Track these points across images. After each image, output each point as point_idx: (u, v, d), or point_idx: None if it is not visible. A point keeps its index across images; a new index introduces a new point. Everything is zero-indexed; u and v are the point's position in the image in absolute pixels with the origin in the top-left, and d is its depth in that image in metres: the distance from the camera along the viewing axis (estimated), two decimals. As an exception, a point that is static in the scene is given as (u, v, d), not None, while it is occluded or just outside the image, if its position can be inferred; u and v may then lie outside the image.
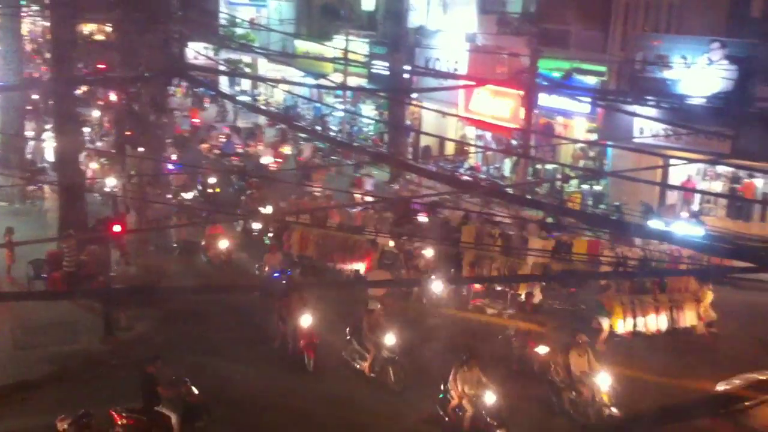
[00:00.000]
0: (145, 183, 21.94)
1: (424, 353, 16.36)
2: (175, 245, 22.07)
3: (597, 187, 28.31)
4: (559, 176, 29.19)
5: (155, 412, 12.96)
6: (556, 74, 26.78)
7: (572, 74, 26.77)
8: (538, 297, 18.23)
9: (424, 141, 34.51)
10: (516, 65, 27.11)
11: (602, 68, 26.80)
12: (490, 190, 22.78)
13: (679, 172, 26.20)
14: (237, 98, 41.49)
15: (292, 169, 30.88)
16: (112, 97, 33.27)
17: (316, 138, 34.16)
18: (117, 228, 18.26)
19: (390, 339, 15.36)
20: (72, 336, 17.05)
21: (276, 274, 19.18)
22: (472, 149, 31.86)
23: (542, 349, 15.52)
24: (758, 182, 25.69)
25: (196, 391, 13.37)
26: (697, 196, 26.40)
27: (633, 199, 25.18)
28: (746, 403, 7.82)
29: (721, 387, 14.23)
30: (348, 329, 16.37)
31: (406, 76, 33.09)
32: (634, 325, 17.38)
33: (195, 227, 21.98)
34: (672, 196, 26.63)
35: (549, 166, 29.09)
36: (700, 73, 23.37)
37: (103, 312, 17.16)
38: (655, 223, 23.47)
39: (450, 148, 33.41)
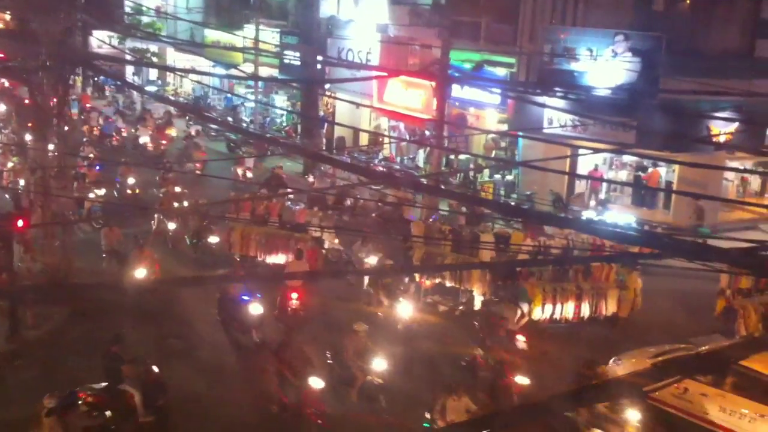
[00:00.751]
0: (48, 176, 21.08)
1: (407, 375, 15.08)
2: (104, 255, 20.18)
3: (509, 177, 28.84)
4: (472, 167, 29.59)
5: (119, 390, 13.02)
6: (468, 66, 27.10)
7: (483, 66, 27.15)
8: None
9: (338, 132, 34.43)
10: (428, 57, 27.28)
11: (512, 60, 27.27)
12: (404, 181, 22.92)
13: (586, 162, 26.94)
14: (144, 89, 40.42)
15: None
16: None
17: (228, 129, 33.64)
18: (20, 223, 17.51)
19: (379, 364, 14.13)
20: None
21: (244, 298, 16.43)
22: (386, 140, 31.96)
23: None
24: (662, 171, 26.68)
25: (156, 370, 13.42)
26: (604, 185, 27.23)
27: (543, 188, 25.76)
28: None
29: (612, 364, 14.92)
30: (328, 353, 14.76)
31: (318, 66, 32.88)
32: (553, 312, 17.34)
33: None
34: (580, 185, 27.39)
35: (462, 157, 29.44)
36: (606, 65, 24.06)
37: (8, 310, 16.45)
38: (566, 212, 24.14)
39: (364, 139, 33.44)
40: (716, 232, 22.44)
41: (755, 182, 27.84)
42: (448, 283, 18.83)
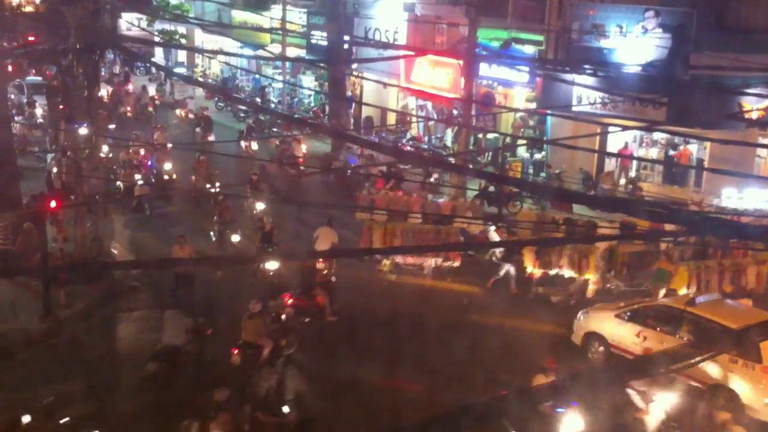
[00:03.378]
0: (80, 158, 21.36)
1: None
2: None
3: (537, 156, 28.66)
4: (500, 146, 29.44)
5: (312, 294, 17.07)
6: (495, 44, 26.89)
7: (511, 44, 26.90)
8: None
9: (366, 112, 34.41)
10: (455, 35, 27.12)
11: (540, 38, 26.99)
12: (432, 160, 22.86)
13: (616, 140, 26.67)
14: (173, 71, 40.66)
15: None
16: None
17: (256, 110, 33.78)
18: (53, 204, 17.79)
19: None
20: (10, 315, 16.68)
21: None
22: (414, 120, 31.89)
23: None
24: (693, 148, 26.33)
25: (334, 279, 17.40)
26: (635, 163, 26.95)
27: (572, 167, 25.57)
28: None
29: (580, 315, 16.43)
30: None
31: (345, 46, 32.82)
32: (698, 289, 17.42)
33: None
34: (610, 163, 27.14)
35: (490, 136, 29.29)
36: (636, 41, 23.73)
37: (42, 290, 16.77)
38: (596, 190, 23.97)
39: (391, 119, 33.39)
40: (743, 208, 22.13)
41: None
42: (566, 272, 18.67)
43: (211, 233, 21.14)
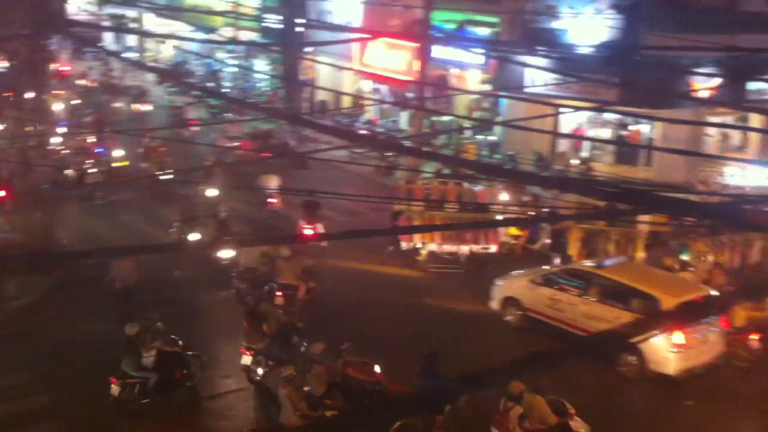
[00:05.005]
0: (27, 147, 20.85)
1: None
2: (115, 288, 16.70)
3: (491, 138, 28.76)
4: (454, 128, 29.48)
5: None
6: (450, 26, 26.85)
7: (465, 26, 26.90)
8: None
9: (320, 96, 34.17)
10: (410, 17, 27.00)
11: (495, 19, 27.02)
12: (386, 143, 22.79)
13: (569, 121, 26.88)
14: (123, 55, 39.87)
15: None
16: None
17: (209, 95, 33.34)
18: (1, 193, 17.34)
19: None
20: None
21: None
22: (368, 103, 31.76)
23: None
24: (644, 128, 26.66)
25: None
26: (587, 143, 27.20)
27: (526, 148, 25.72)
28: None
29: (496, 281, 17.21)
30: None
31: (299, 29, 32.51)
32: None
33: None
34: (563, 144, 27.35)
35: (445, 118, 29.31)
36: (588, 22, 23.88)
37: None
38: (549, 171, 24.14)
39: (346, 102, 33.21)
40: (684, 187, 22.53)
41: (736, 137, 27.85)
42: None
43: (172, 230, 20.59)
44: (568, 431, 11.63)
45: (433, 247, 19.62)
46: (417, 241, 19.52)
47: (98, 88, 36.78)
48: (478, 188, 20.63)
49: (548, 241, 19.65)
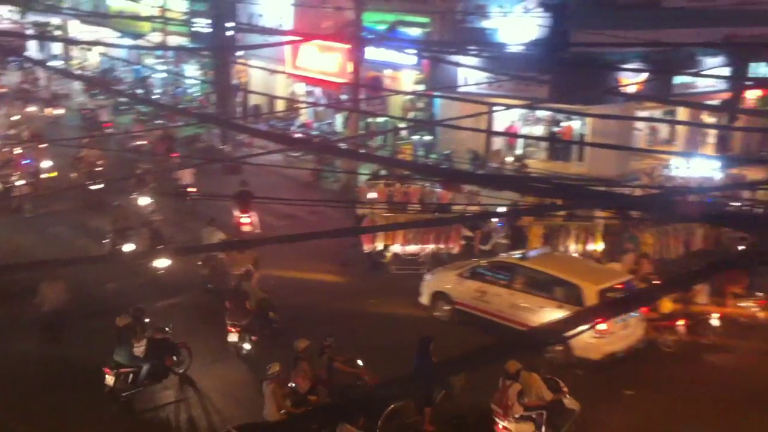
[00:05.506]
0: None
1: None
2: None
3: (427, 138, 28.86)
4: (390, 129, 29.50)
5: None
6: (381, 27, 26.84)
7: (397, 27, 26.91)
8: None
9: (254, 100, 33.80)
10: (341, 19, 26.89)
11: (425, 20, 27.11)
12: (322, 146, 22.62)
13: (502, 119, 27.13)
14: (48, 64, 38.81)
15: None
16: None
17: (138, 102, 32.68)
18: None
19: None
20: None
21: None
22: (303, 106, 31.55)
23: None
24: (575, 124, 27.09)
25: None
26: (521, 141, 27.52)
27: (461, 146, 25.87)
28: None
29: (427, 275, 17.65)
30: None
31: (229, 33, 32.09)
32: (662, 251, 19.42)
33: None
34: (497, 142, 27.61)
35: (380, 119, 29.30)
36: (517, 21, 24.15)
37: None
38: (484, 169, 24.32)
39: (280, 106, 32.93)
40: (628, 180, 22.98)
41: (664, 130, 28.55)
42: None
43: (105, 241, 20.03)
44: (562, 407, 12.39)
45: (396, 248, 19.63)
46: (380, 243, 19.51)
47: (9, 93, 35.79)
48: (440, 189, 20.81)
49: (502, 240, 19.73)
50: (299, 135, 28.90)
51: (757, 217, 6.07)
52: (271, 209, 21.18)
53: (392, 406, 11.90)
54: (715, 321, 16.03)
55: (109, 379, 13.35)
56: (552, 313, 15.01)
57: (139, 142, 27.37)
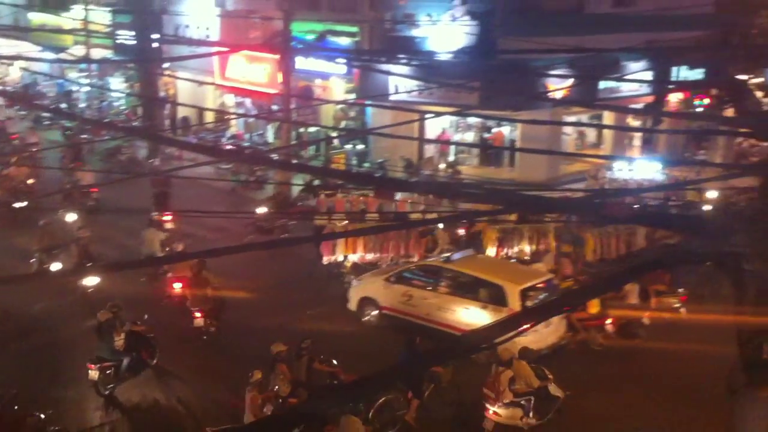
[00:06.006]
0: None
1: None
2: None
3: (360, 147, 28.81)
4: (322, 138, 29.37)
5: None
6: (310, 37, 26.71)
7: (326, 36, 26.83)
8: None
9: (182, 112, 33.25)
10: (270, 29, 26.67)
11: (355, 29, 27.09)
12: (253, 158, 22.38)
13: (434, 126, 27.27)
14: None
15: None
16: None
17: (62, 117, 31.80)
18: None
19: None
20: None
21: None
22: (233, 117, 31.18)
23: None
24: (506, 130, 27.40)
25: None
26: (452, 147, 27.71)
27: (394, 155, 25.90)
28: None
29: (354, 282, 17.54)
30: None
31: (154, 45, 31.53)
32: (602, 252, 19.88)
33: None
34: (430, 149, 27.74)
35: (312, 129, 29.15)
36: (446, 29, 24.32)
37: None
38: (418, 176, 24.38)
39: (210, 118, 32.47)
40: (559, 184, 23.35)
41: (591, 134, 29.12)
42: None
43: (32, 260, 19.33)
44: (548, 393, 13.05)
45: (355, 258, 19.50)
46: (339, 253, 19.44)
47: None
48: (399, 198, 20.88)
49: (447, 247, 19.74)
50: (230, 146, 28.51)
51: (680, 216, 6.17)
52: (202, 222, 20.79)
53: (383, 398, 12.25)
54: (644, 320, 16.35)
55: (93, 374, 13.76)
56: (477, 314, 15.38)
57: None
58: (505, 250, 19.32)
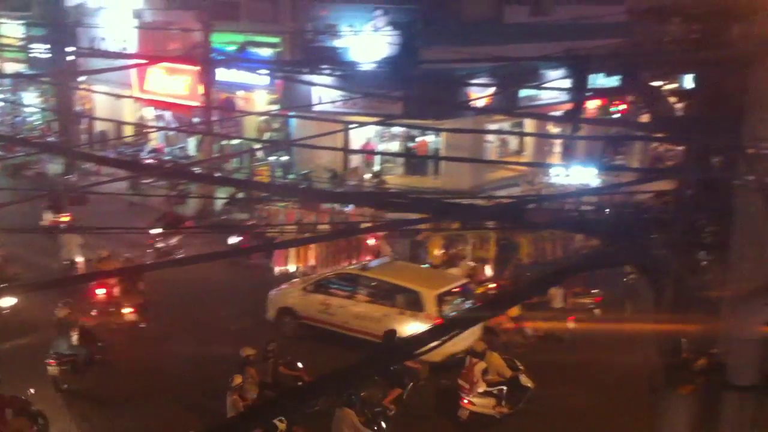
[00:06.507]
0: None
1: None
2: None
3: (284, 158, 28.56)
4: (245, 151, 29.02)
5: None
6: (231, 48, 26.41)
7: (247, 47, 26.57)
8: None
9: (100, 126, 32.41)
10: (189, 41, 26.27)
11: (276, 39, 26.90)
12: (175, 171, 21.92)
13: (358, 136, 27.25)
14: None
15: None
16: None
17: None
18: None
19: None
20: None
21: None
22: (153, 130, 30.55)
23: None
24: (430, 139, 27.56)
25: None
26: (377, 157, 27.73)
27: (319, 166, 25.76)
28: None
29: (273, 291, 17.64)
30: None
31: (70, 58, 30.69)
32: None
33: None
34: (355, 160, 27.70)
35: (235, 141, 28.78)
36: (368, 39, 24.36)
37: None
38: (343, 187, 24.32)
39: (129, 132, 31.75)
40: (483, 191, 23.60)
41: (514, 142, 29.55)
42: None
43: None
44: (519, 384, 13.83)
45: (306, 269, 19.58)
46: (291, 264, 19.56)
47: None
48: (348, 209, 20.79)
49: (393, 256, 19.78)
50: (150, 161, 27.91)
51: (599, 221, 6.26)
52: (122, 239, 20.26)
53: (361, 393, 12.55)
54: (569, 323, 16.62)
55: (53, 369, 14.29)
56: (394, 320, 15.49)
57: None
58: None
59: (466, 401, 13.55)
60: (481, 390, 13.49)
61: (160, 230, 20.07)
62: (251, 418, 4.74)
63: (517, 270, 19.17)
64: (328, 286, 16.89)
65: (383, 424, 12.65)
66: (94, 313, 16.86)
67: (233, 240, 21.09)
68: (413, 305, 15.59)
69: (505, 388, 13.65)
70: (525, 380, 13.89)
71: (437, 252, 19.66)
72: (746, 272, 4.58)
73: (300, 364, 13.87)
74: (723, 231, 4.66)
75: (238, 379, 12.65)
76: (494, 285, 17.59)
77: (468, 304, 15.90)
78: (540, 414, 13.81)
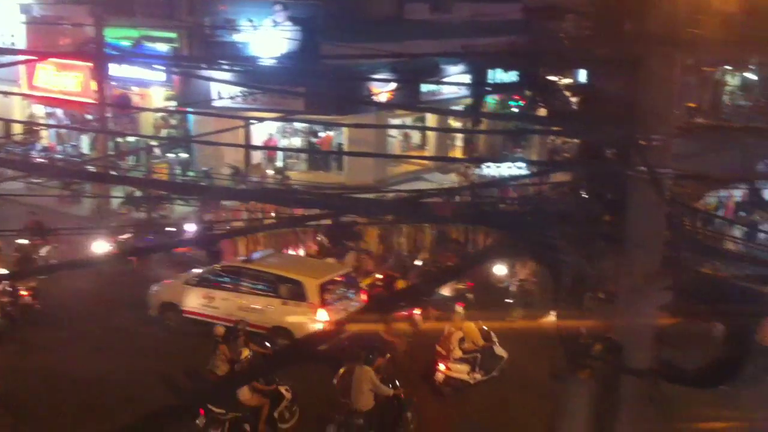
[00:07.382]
0: None
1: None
2: None
3: (183, 155, 27.95)
4: (142, 148, 28.27)
5: None
6: (126, 43, 25.66)
7: (142, 42, 25.88)
8: None
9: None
10: (81, 36, 25.35)
11: (173, 35, 26.30)
12: (68, 170, 21.16)
13: (260, 132, 26.95)
14: None
15: None
16: None
17: None
18: None
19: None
20: None
21: None
22: (43, 128, 29.35)
23: None
24: (333, 134, 27.53)
25: None
26: (280, 153, 27.50)
27: (220, 163, 25.34)
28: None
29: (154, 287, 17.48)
30: None
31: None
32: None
33: None
34: (257, 156, 27.39)
35: (131, 138, 27.97)
36: (268, 34, 24.10)
37: None
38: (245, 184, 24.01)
39: (18, 130, 30.40)
40: (386, 185, 23.75)
41: (416, 136, 29.86)
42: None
43: None
44: (493, 353, 14.78)
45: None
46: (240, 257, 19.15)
47: None
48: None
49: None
50: (41, 160, 26.82)
51: (499, 213, 6.37)
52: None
53: (342, 369, 12.84)
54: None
55: None
56: (278, 310, 15.75)
57: None
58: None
59: (442, 367, 14.33)
60: (457, 356, 14.31)
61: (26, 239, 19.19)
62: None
63: (398, 260, 19.60)
64: (211, 279, 16.81)
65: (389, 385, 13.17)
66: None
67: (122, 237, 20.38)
68: (296, 295, 15.75)
69: (479, 355, 14.50)
70: (499, 350, 14.81)
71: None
72: (640, 260, 4.73)
73: (268, 344, 14.10)
74: (618, 221, 4.80)
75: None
76: (381, 276, 17.80)
77: (351, 294, 16.31)
78: (511, 381, 14.57)
